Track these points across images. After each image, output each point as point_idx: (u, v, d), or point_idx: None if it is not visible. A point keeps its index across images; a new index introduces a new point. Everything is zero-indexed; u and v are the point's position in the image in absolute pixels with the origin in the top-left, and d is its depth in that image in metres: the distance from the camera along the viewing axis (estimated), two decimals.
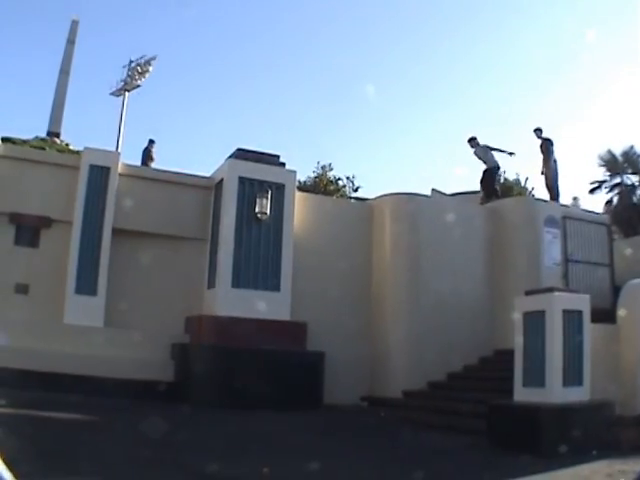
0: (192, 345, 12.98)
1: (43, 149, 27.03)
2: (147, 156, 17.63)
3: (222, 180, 13.62)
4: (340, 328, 13.56)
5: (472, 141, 16.45)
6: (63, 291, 13.08)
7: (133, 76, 58.96)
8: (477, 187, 16.93)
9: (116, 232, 13.28)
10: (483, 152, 16.27)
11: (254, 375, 11.99)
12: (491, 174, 16.47)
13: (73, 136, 44.87)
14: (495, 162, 16.40)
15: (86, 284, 13.09)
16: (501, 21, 76.16)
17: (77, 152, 24.15)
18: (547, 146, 16.27)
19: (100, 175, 13.51)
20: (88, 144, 13.42)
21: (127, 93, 56.04)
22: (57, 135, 49.09)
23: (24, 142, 32.11)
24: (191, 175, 14.24)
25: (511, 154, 16.48)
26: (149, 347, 12.84)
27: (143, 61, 59.61)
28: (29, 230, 13.65)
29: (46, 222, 13.56)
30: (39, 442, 7.54)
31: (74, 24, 46.57)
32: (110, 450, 7.60)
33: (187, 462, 7.56)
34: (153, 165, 17.11)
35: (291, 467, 7.40)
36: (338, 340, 13.22)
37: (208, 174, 14.72)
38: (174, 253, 14.01)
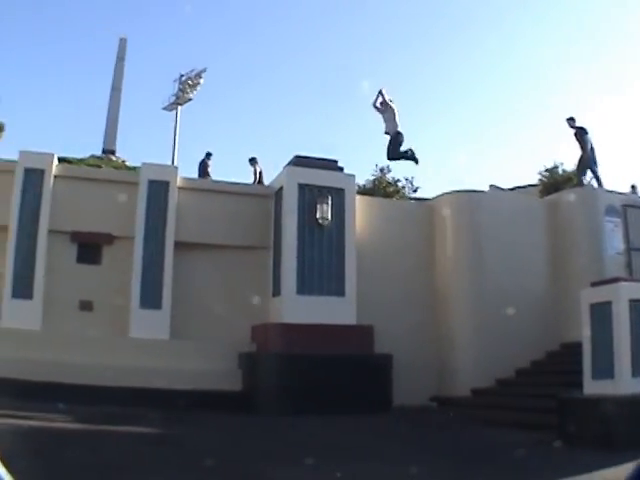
0: (259, 354, 13.35)
1: (99, 167, 27.53)
2: (204, 169, 18.05)
3: (282, 188, 13.95)
4: (406, 329, 13.77)
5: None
6: (127, 306, 13.48)
7: (184, 89, 59.84)
8: (534, 181, 16.58)
9: (178, 245, 13.78)
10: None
11: (322, 381, 12.13)
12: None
13: (128, 152, 45.56)
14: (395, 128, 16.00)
15: (150, 298, 13.56)
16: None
17: (134, 168, 24.52)
18: (581, 135, 16.08)
19: (159, 190, 14.01)
20: (143, 160, 13.82)
21: (179, 107, 56.08)
22: (112, 152, 50.02)
23: (80, 161, 32.71)
24: (249, 185, 14.18)
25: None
26: (216, 357, 13.20)
27: (193, 74, 60.64)
28: (91, 247, 14.16)
29: (107, 239, 14.08)
30: (107, 456, 7.90)
31: (122, 41, 47.49)
32: (178, 462, 7.85)
33: (260, 472, 7.63)
34: (210, 177, 17.48)
35: (374, 471, 7.56)
36: (404, 341, 13.39)
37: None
38: (236, 263, 14.39)
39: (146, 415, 10.84)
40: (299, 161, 13.97)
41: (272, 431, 10.42)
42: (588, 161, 16.09)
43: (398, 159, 16.32)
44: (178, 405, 11.56)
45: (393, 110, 15.95)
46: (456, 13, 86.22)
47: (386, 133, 15.99)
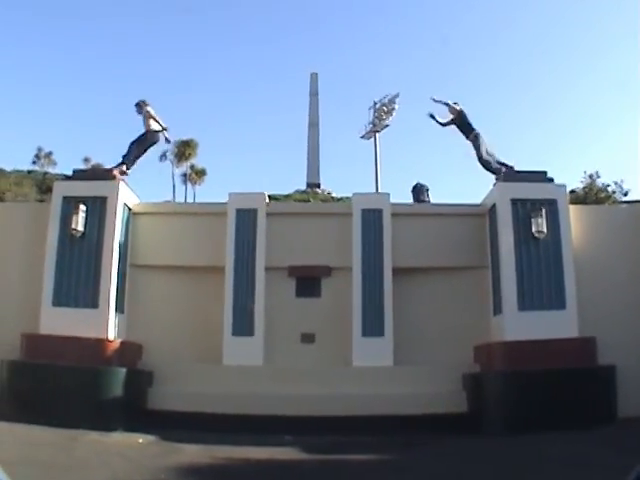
0: (483, 374, 13.82)
1: (308, 201, 28.46)
2: (418, 194, 18.52)
3: (494, 205, 14.52)
4: (631, 338, 13.64)
5: None
6: (349, 335, 14.26)
7: (380, 116, 60.44)
8: None
9: (395, 271, 14.50)
10: None
11: (546, 397, 12.35)
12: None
13: (332, 184, 46.74)
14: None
15: (372, 326, 14.25)
16: None
17: (340, 199, 25.13)
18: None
19: (373, 218, 14.85)
20: (348, 190, 14.32)
21: (377, 134, 56.84)
22: (317, 185, 51.52)
23: (286, 197, 33.89)
24: (461, 205, 15.10)
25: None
26: (439, 380, 13.67)
27: (387, 100, 61.24)
28: (309, 281, 15.04)
29: (325, 271, 15.00)
30: None
31: (313, 76, 48.98)
32: None
33: None
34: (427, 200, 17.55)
35: None
36: (630, 351, 13.25)
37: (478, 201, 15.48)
38: (454, 284, 14.94)
39: (374, 442, 11.42)
40: (509, 176, 14.58)
41: (512, 451, 10.32)
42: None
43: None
44: (405, 430, 12.19)
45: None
46: None
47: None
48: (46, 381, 12.86)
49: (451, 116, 15.79)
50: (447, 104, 15.87)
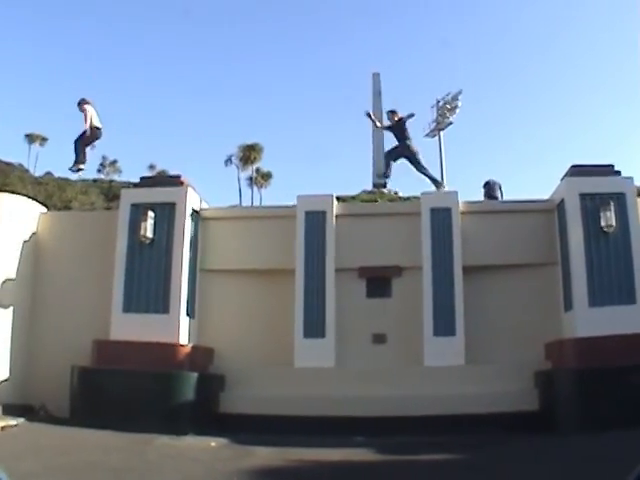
0: (555, 371, 13.69)
1: (375, 201, 28.32)
2: (490, 189, 18.72)
3: (562, 200, 14.49)
4: None
5: None
6: (420, 335, 14.30)
7: (443, 114, 60.20)
8: None
9: (465, 269, 14.56)
10: None
11: (620, 393, 12.16)
12: None
13: (398, 184, 46.51)
14: None
15: (443, 325, 14.24)
16: None
17: (407, 199, 24.97)
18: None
19: (442, 216, 14.84)
20: (414, 190, 14.19)
21: (441, 132, 56.59)
22: (383, 185, 50.99)
23: (353, 198, 33.82)
24: (529, 201, 15.32)
25: None
26: (511, 378, 13.58)
27: (450, 98, 60.94)
28: (380, 281, 15.06)
29: (396, 271, 15.01)
30: None
31: (376, 76, 48.78)
32: None
33: None
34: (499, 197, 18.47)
35: None
36: None
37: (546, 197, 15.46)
38: (524, 281, 14.83)
39: (445, 442, 11.41)
40: (576, 171, 14.53)
41: (588, 450, 10.15)
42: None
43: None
44: (476, 430, 12.23)
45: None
46: None
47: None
48: (117, 386, 13.26)
49: (389, 123, 17.04)
50: (391, 111, 17.00)
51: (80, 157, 16.91)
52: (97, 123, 17.25)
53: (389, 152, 17.96)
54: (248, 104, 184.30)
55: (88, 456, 10.06)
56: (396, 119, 16.97)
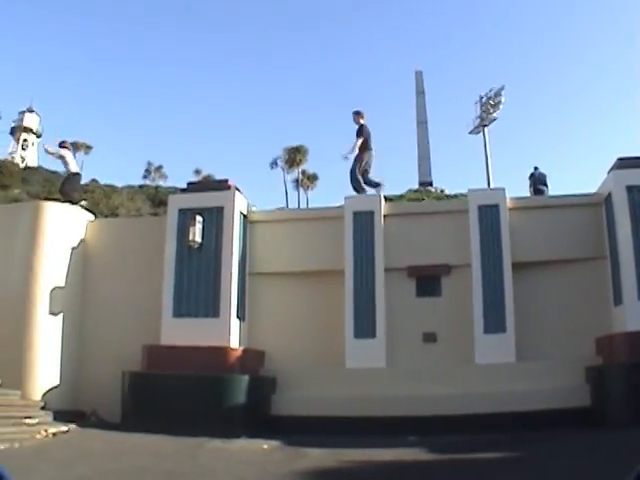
0: (606, 366, 13.63)
1: (421, 200, 28.31)
2: (534, 183, 18.93)
3: (609, 194, 14.37)
4: None
5: None
6: (470, 333, 14.24)
7: (487, 110, 59.78)
8: None
9: (514, 266, 14.46)
10: None
11: None
12: None
13: (444, 181, 46.55)
14: None
15: (494, 322, 14.17)
16: None
17: (454, 196, 24.92)
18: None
19: (490, 213, 14.82)
20: (460, 187, 14.31)
21: (485, 128, 56.25)
22: (429, 184, 51.18)
23: (399, 197, 33.78)
24: (577, 195, 15.38)
25: None
26: (562, 375, 13.51)
27: (493, 93, 60.50)
28: (429, 280, 15.06)
29: (445, 269, 15.00)
30: None
31: (418, 75, 48.60)
32: None
33: None
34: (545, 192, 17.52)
35: None
36: None
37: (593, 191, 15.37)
38: (573, 276, 14.79)
39: (497, 440, 11.36)
40: (623, 163, 14.36)
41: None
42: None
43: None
44: (528, 427, 12.15)
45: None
46: None
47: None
48: (169, 390, 13.45)
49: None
50: (355, 112, 16.56)
51: (74, 197, 16.93)
52: (75, 168, 17.64)
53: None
54: (292, 106, 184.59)
55: (140, 461, 10.22)
56: (361, 121, 16.57)
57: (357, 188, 16.18)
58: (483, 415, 12.74)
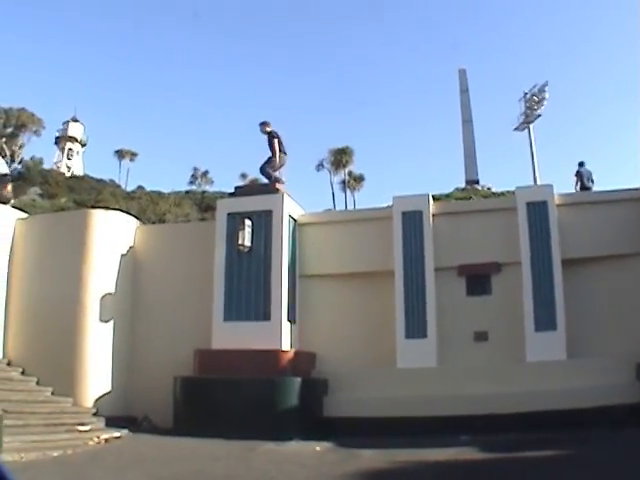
0: None
1: (469, 198, 28.22)
2: (581, 177, 18.77)
3: None
4: None
5: None
6: (521, 331, 14.15)
7: (531, 107, 59.26)
8: None
9: (564, 262, 14.36)
10: None
11: None
12: None
13: (491, 179, 46.32)
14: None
15: (545, 319, 14.12)
16: None
17: (501, 194, 24.81)
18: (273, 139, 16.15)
19: (538, 210, 14.76)
20: (506, 184, 14.16)
21: (530, 125, 55.85)
22: (476, 182, 51.03)
23: (447, 196, 33.70)
24: (624, 190, 15.20)
25: None
26: (612, 371, 13.38)
27: (537, 90, 59.96)
28: (479, 278, 15.05)
29: (495, 268, 14.99)
30: None
31: (462, 73, 48.37)
32: None
33: None
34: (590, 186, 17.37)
35: None
36: None
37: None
38: (620, 272, 14.64)
39: (549, 438, 11.43)
40: None
41: None
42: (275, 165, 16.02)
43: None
44: (580, 424, 11.99)
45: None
46: None
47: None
48: (221, 394, 13.62)
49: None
50: (262, 123, 16.43)
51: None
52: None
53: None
54: (337, 108, 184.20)
55: (193, 465, 10.42)
56: (268, 130, 16.44)
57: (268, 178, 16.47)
58: (534, 413, 12.71)
